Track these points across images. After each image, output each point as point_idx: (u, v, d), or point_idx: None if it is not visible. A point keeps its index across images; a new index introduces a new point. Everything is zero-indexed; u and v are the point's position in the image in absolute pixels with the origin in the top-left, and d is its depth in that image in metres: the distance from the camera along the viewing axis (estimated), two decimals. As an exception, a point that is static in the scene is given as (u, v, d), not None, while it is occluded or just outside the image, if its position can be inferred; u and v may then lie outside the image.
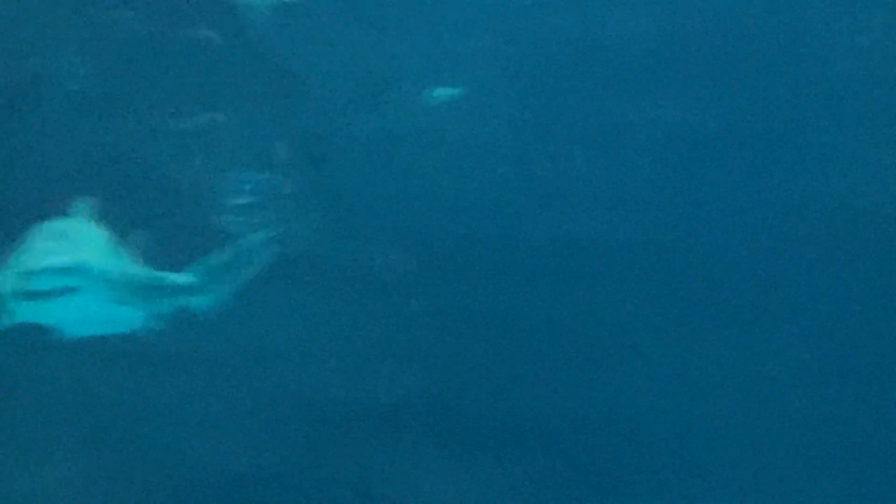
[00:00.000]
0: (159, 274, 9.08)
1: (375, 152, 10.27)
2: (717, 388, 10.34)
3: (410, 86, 10.28)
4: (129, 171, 9.93)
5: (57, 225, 8.54)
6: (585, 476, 10.14)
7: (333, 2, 10.29)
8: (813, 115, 10.61)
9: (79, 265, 8.07)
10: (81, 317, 8.43)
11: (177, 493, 9.97)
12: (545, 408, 10.21)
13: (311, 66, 10.25)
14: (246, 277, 9.50)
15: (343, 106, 10.27)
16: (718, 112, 10.55)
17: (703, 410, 10.29)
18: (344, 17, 10.27)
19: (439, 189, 10.26)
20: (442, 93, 10.24)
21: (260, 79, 10.24)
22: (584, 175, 10.41)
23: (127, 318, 8.85)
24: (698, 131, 10.54)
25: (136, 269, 8.82)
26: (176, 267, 9.48)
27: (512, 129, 10.34)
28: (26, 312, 8.20)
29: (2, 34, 9.75)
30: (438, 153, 10.24)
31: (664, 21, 10.54)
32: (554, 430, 10.16)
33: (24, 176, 9.70)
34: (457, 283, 10.32)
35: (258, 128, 10.15)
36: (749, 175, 10.58)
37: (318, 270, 10.17)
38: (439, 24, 10.27)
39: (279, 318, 10.10)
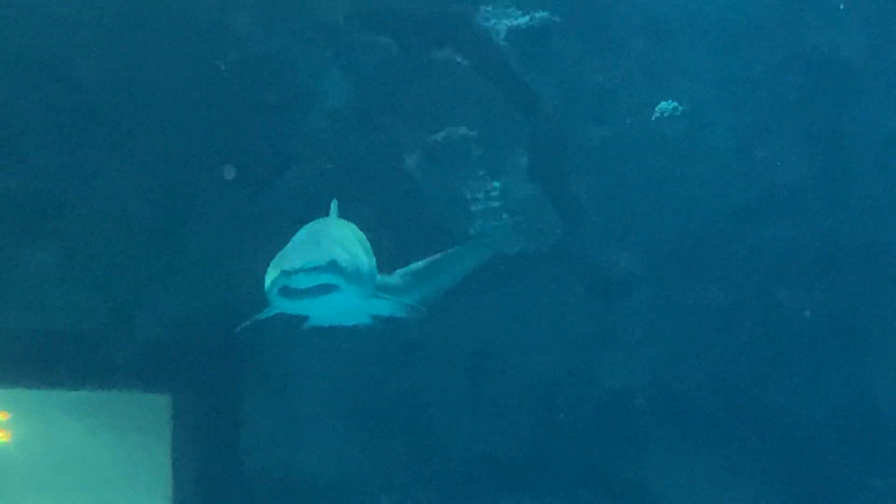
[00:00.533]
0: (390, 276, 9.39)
1: (605, 161, 10.90)
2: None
3: (637, 100, 10.83)
4: (384, 178, 10.58)
5: (317, 227, 8.74)
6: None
7: (563, 25, 10.77)
8: None
9: (333, 264, 8.07)
10: (329, 311, 8.58)
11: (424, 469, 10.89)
12: (761, 404, 10.93)
13: (545, 83, 10.82)
14: (453, 280, 9.94)
15: (576, 119, 10.87)
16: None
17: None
18: (574, 39, 10.85)
19: (665, 195, 10.94)
20: (665, 106, 10.78)
21: (500, 95, 10.77)
22: (804, 179, 11.07)
23: (366, 312, 9.16)
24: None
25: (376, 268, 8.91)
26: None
27: (731, 138, 10.95)
28: (285, 306, 8.29)
29: (275, 57, 10.30)
30: (663, 162, 10.88)
31: (873, 37, 11.12)
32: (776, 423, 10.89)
33: (292, 181, 10.38)
34: (679, 282, 11.03)
35: (500, 139, 10.71)
36: None
37: (555, 268, 10.89)
38: (663, 43, 10.88)
39: (519, 311, 10.90)
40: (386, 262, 9.25)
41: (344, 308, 8.58)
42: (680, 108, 10.81)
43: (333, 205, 9.03)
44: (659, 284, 11.08)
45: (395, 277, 9.49)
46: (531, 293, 10.92)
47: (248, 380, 10.82)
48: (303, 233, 8.70)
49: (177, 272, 10.40)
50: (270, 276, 8.16)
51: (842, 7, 10.96)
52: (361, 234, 8.91)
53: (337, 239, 8.53)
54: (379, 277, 8.98)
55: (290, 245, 8.48)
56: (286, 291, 8.11)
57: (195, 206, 10.30)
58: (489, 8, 10.81)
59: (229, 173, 10.27)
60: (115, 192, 10.15)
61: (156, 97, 10.14)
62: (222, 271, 10.23)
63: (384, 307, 9.14)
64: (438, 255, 9.76)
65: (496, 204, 10.69)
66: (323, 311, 8.67)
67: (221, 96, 10.29)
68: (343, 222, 8.95)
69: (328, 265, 8.08)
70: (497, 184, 10.71)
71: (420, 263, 9.67)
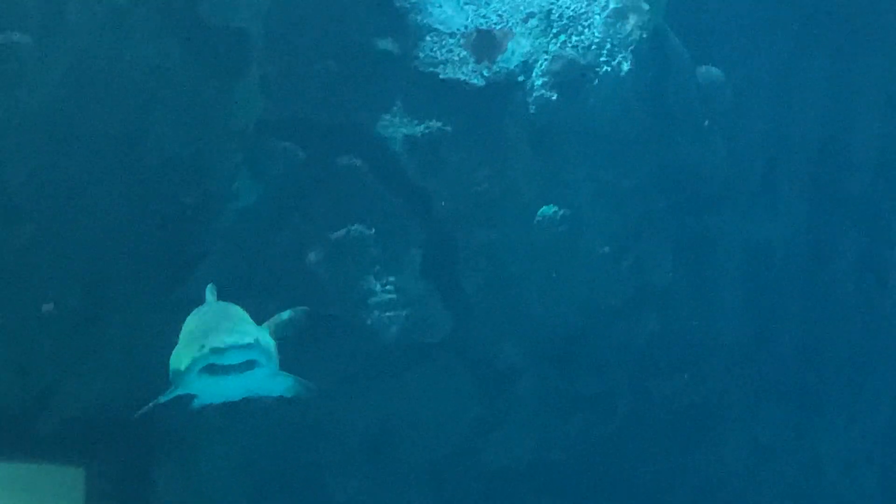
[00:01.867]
0: None
1: (492, 260, 11.53)
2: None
3: (521, 205, 11.51)
4: (289, 273, 11.11)
5: (216, 308, 8.79)
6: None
7: (455, 135, 11.38)
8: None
9: (257, 341, 8.15)
10: (242, 388, 8.60)
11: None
12: (632, 481, 11.73)
13: (438, 187, 11.44)
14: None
15: (465, 221, 11.49)
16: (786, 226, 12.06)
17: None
18: (465, 148, 11.45)
19: (546, 292, 11.63)
20: (547, 211, 11.47)
21: (397, 198, 11.37)
22: (671, 281, 11.85)
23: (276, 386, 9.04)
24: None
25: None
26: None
27: (606, 242, 11.69)
28: (204, 383, 8.30)
29: (191, 160, 10.63)
30: (544, 262, 11.58)
31: (734, 152, 12.08)
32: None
33: (204, 275, 10.44)
34: (558, 372, 11.77)
35: (396, 238, 11.30)
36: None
37: (445, 357, 11.59)
38: (546, 153, 11.56)
39: (412, 395, 11.55)
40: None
41: (255, 384, 8.65)
42: (560, 212, 11.49)
43: (210, 288, 9.19)
44: (540, 374, 11.76)
45: None
46: (423, 380, 11.54)
47: (159, 454, 11.16)
48: (204, 315, 8.76)
49: (95, 355, 10.71)
50: (190, 355, 8.24)
51: (706, 124, 11.86)
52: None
53: (242, 318, 8.65)
54: None
55: (195, 327, 8.56)
56: (212, 369, 8.21)
57: (114, 296, 10.63)
58: (387, 117, 11.39)
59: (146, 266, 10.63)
60: (40, 282, 10.45)
61: (77, 194, 10.43)
62: (137, 356, 10.50)
63: (279, 383, 9.06)
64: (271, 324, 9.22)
65: (391, 298, 11.27)
66: (239, 388, 8.70)
67: (141, 195, 10.59)
68: (230, 304, 8.95)
69: (255, 342, 8.21)
70: (392, 279, 11.27)
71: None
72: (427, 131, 11.37)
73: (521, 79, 11.44)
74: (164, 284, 10.66)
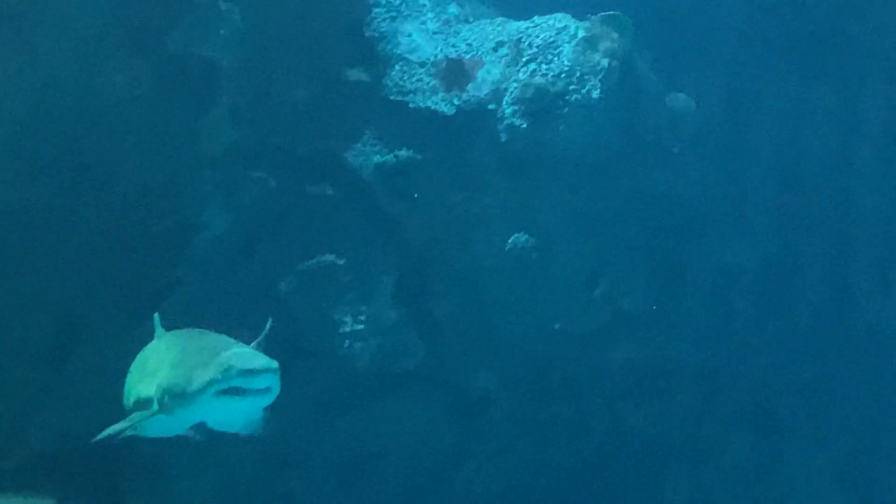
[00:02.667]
0: None
1: (464, 287, 11.57)
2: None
3: (493, 232, 11.52)
4: (260, 302, 11.00)
5: (202, 335, 8.63)
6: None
7: (427, 162, 11.45)
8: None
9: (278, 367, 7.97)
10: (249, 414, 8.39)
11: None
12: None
13: (409, 215, 11.49)
14: None
15: (437, 248, 11.53)
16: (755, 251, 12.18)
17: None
18: (437, 175, 11.49)
19: (518, 319, 11.67)
20: (518, 238, 11.49)
21: (369, 226, 11.40)
22: (643, 307, 11.91)
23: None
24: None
25: None
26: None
27: (578, 268, 11.71)
28: (217, 406, 8.04)
29: (162, 188, 10.75)
30: (516, 289, 11.60)
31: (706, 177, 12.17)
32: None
33: (176, 304, 10.56)
34: (531, 399, 11.81)
35: (368, 266, 11.32)
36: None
37: (418, 385, 11.59)
38: (518, 180, 11.59)
39: (385, 422, 11.55)
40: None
41: (253, 412, 8.49)
42: (531, 240, 11.52)
43: (157, 318, 9.11)
44: (513, 401, 11.76)
45: None
46: (396, 408, 11.54)
47: (131, 486, 11.17)
48: (197, 339, 8.60)
49: (66, 387, 10.72)
50: (207, 376, 8.00)
51: (675, 150, 11.92)
52: None
53: (237, 342, 8.52)
54: None
55: (188, 350, 8.37)
56: (233, 391, 8.00)
57: (85, 327, 10.69)
58: (358, 146, 11.44)
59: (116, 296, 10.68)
60: (9, 313, 10.52)
61: (47, 224, 10.51)
62: (108, 387, 9.94)
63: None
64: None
65: (363, 327, 11.32)
66: (243, 414, 8.50)
67: (111, 224, 10.66)
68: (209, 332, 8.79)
69: (277, 367, 8.07)
70: (364, 308, 11.30)
71: None
72: (398, 160, 11.42)
73: (491, 107, 11.46)
74: (135, 314, 10.56)
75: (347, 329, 11.33)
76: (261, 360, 8.11)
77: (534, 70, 11.47)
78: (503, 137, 11.46)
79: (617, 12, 11.54)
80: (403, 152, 11.43)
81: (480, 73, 11.52)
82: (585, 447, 12.10)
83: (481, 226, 11.57)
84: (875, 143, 12.55)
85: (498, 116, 11.47)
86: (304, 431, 11.19)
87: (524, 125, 11.41)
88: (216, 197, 11.07)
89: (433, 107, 11.48)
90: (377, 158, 11.45)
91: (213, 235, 11.07)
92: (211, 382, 8.04)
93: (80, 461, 10.86)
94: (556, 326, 11.71)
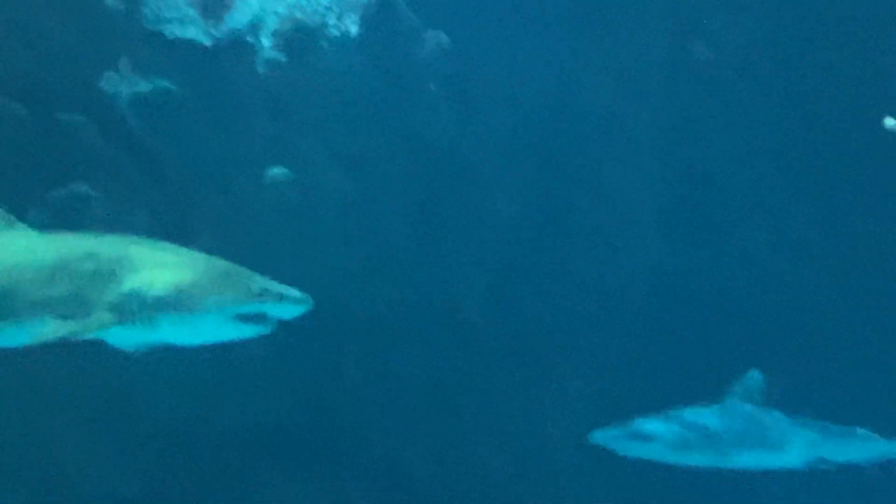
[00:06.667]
0: None
1: (223, 223, 11.34)
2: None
3: (252, 168, 11.41)
4: None
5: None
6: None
7: (184, 95, 11.26)
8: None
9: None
10: None
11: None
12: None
13: (167, 148, 11.28)
14: None
15: (195, 183, 11.35)
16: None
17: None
18: (192, 107, 11.31)
19: (279, 255, 11.14)
20: (277, 173, 11.40)
21: (124, 157, 11.15)
22: (404, 241, 11.91)
23: None
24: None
25: None
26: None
27: (337, 204, 11.69)
28: (229, 330, 7.62)
29: None
30: (276, 224, 11.46)
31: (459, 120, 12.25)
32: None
33: None
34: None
35: (123, 199, 11.02)
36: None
37: None
38: (277, 117, 11.53)
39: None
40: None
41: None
42: (290, 176, 11.42)
43: None
44: (270, 340, 11.43)
45: None
46: None
47: None
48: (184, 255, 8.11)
49: None
50: (232, 295, 7.52)
51: (432, 88, 11.97)
52: None
53: None
54: None
55: (204, 267, 7.89)
56: (260, 318, 7.64)
57: None
58: (112, 74, 11.22)
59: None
60: None
61: None
62: None
63: None
64: None
65: None
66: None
67: None
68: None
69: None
70: None
71: None
72: (154, 90, 11.20)
73: (249, 39, 11.28)
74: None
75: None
76: (296, 291, 7.78)
77: (293, 3, 11.38)
78: (261, 70, 11.28)
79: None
80: (160, 82, 11.22)
81: (238, 4, 11.38)
82: (341, 389, 11.92)
83: (239, 161, 11.41)
84: (642, 96, 12.71)
85: (256, 49, 11.29)
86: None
87: (283, 59, 11.31)
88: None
89: (190, 37, 11.24)
90: (133, 88, 11.21)
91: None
92: (235, 302, 7.53)
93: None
94: (318, 265, 11.40)
